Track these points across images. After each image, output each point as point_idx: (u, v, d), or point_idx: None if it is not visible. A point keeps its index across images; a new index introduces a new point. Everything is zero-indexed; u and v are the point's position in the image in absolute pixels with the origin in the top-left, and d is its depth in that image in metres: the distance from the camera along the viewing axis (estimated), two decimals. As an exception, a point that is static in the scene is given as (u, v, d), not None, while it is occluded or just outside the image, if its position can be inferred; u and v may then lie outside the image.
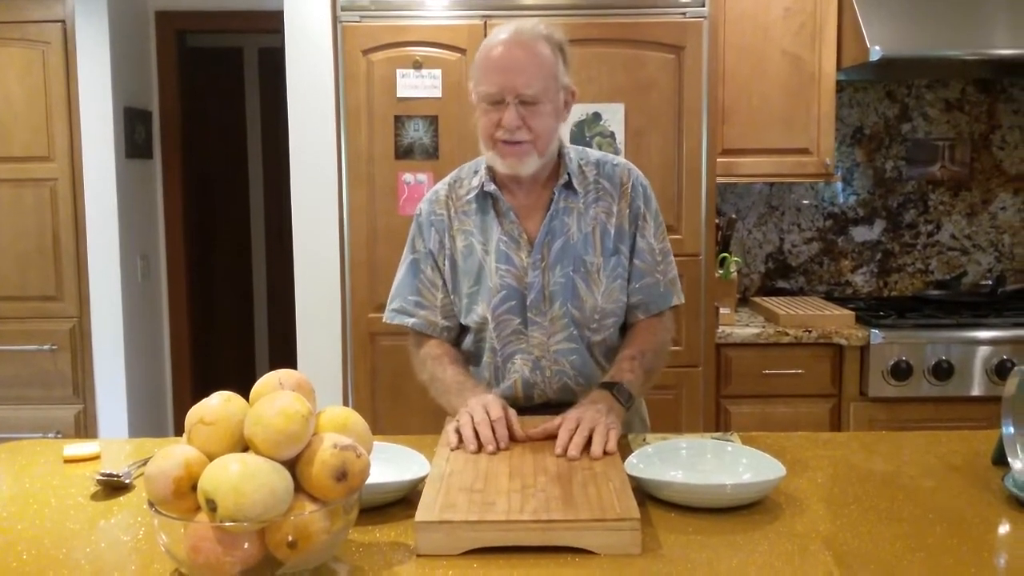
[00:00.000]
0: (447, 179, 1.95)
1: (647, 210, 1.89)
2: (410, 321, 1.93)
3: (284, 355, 5.06)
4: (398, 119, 2.98)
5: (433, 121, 2.97)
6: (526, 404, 1.87)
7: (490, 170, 1.86)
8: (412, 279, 1.93)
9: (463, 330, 1.94)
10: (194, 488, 1.13)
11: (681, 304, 1.96)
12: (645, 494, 1.43)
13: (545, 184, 1.86)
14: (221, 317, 5.40)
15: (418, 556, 1.24)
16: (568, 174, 1.84)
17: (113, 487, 1.54)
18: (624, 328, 1.93)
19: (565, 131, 2.93)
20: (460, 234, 1.88)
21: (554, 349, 1.85)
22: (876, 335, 3.03)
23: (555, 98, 1.77)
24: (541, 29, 1.79)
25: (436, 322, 1.92)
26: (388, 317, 1.96)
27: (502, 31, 1.78)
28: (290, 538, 1.12)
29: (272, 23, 3.56)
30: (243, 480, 1.09)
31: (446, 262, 1.90)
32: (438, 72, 2.95)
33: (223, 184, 5.60)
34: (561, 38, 1.81)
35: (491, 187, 1.84)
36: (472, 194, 1.87)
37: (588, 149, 1.95)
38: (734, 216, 3.51)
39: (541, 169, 1.83)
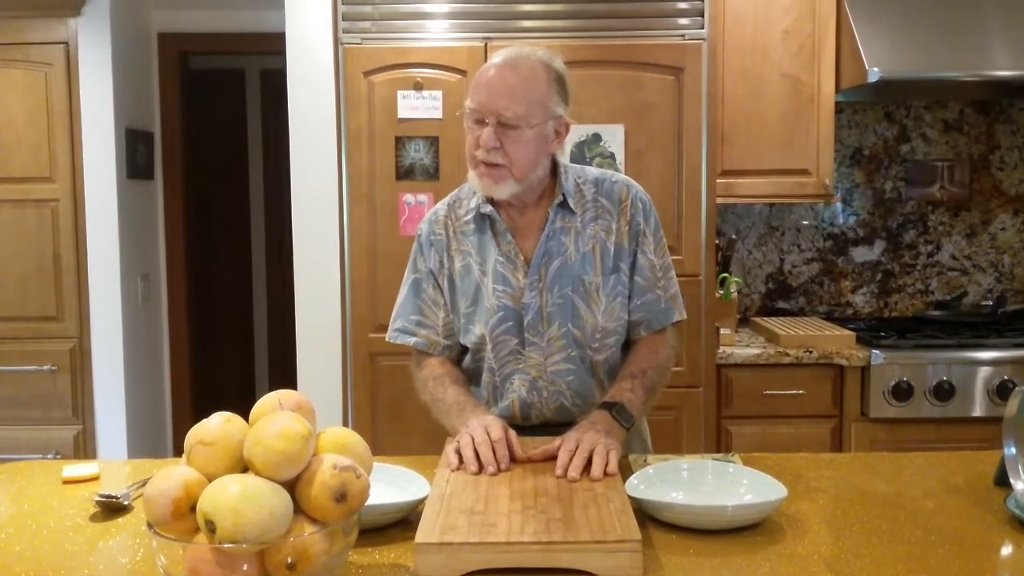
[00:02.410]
0: (447, 199, 1.96)
1: (647, 226, 1.88)
2: (412, 340, 1.94)
3: (284, 375, 5.05)
4: (399, 140, 2.99)
5: (434, 142, 2.98)
6: (523, 424, 1.87)
7: None
8: (414, 299, 1.94)
9: (464, 349, 1.94)
10: (193, 509, 1.12)
11: (683, 320, 1.95)
12: (646, 515, 1.43)
13: (539, 204, 1.85)
14: (221, 338, 5.40)
15: (418, 578, 1.23)
16: (563, 194, 1.84)
17: (112, 508, 1.54)
18: (626, 345, 1.93)
19: (565, 152, 2.96)
20: (458, 254, 1.89)
21: (551, 370, 1.85)
22: (877, 356, 3.03)
23: (540, 125, 1.76)
24: (540, 55, 1.79)
25: (438, 341, 1.93)
26: (391, 336, 1.97)
27: (501, 53, 1.79)
28: (289, 560, 1.11)
29: (274, 45, 3.59)
30: (242, 501, 1.09)
31: (445, 281, 1.91)
32: (439, 93, 2.96)
33: (224, 205, 5.62)
34: (561, 68, 1.81)
35: (487, 208, 1.84)
36: (470, 215, 1.88)
37: (588, 167, 1.95)
38: (734, 237, 3.52)
39: (533, 191, 1.83)
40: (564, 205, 1.84)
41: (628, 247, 1.86)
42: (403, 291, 1.97)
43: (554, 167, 1.86)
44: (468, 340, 1.90)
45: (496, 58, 1.78)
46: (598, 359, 1.87)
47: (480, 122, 1.75)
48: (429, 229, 1.93)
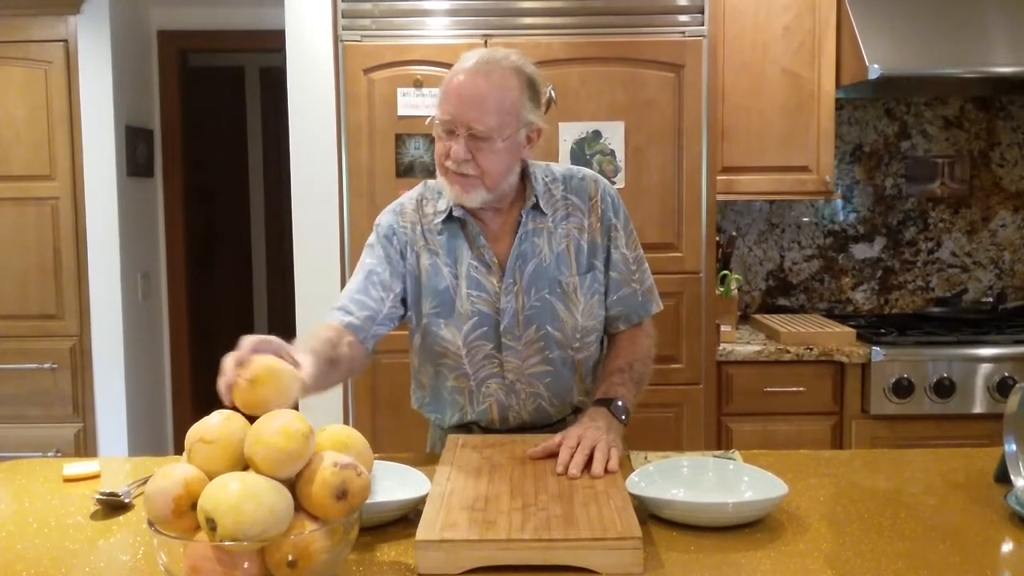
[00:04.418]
0: (412, 194, 1.91)
1: (617, 220, 1.87)
2: (346, 320, 1.78)
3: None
4: (399, 137, 2.98)
5: (433, 140, 2.97)
6: (501, 427, 1.86)
7: None
8: (364, 282, 1.83)
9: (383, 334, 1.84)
10: (194, 507, 1.12)
11: (660, 310, 1.94)
12: (647, 512, 1.43)
13: (512, 207, 1.83)
14: (222, 335, 5.38)
15: (419, 575, 1.23)
16: (535, 195, 1.81)
17: (113, 506, 1.54)
18: (604, 339, 1.92)
19: (565, 149, 2.96)
20: (425, 252, 1.84)
21: (529, 372, 1.83)
22: (877, 352, 3.03)
23: (512, 135, 1.72)
24: (513, 60, 1.74)
25: (370, 328, 1.80)
26: (330, 315, 1.83)
27: (471, 56, 1.74)
28: (290, 557, 1.11)
29: (273, 42, 3.58)
30: (243, 499, 1.09)
31: (408, 277, 1.85)
32: (438, 91, 2.95)
33: (224, 202, 5.62)
34: (532, 72, 1.76)
35: (460, 211, 1.80)
36: (440, 217, 1.84)
37: (552, 165, 1.91)
38: (734, 234, 3.52)
39: (505, 196, 1.80)
40: (536, 206, 1.82)
41: (601, 243, 1.85)
42: (355, 276, 1.86)
43: (523, 168, 1.83)
44: (431, 343, 1.85)
45: (465, 62, 1.73)
46: (580, 358, 1.86)
47: (451, 132, 1.72)
48: (393, 220, 1.87)
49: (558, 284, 1.82)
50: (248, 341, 1.35)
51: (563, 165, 1.93)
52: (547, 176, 1.87)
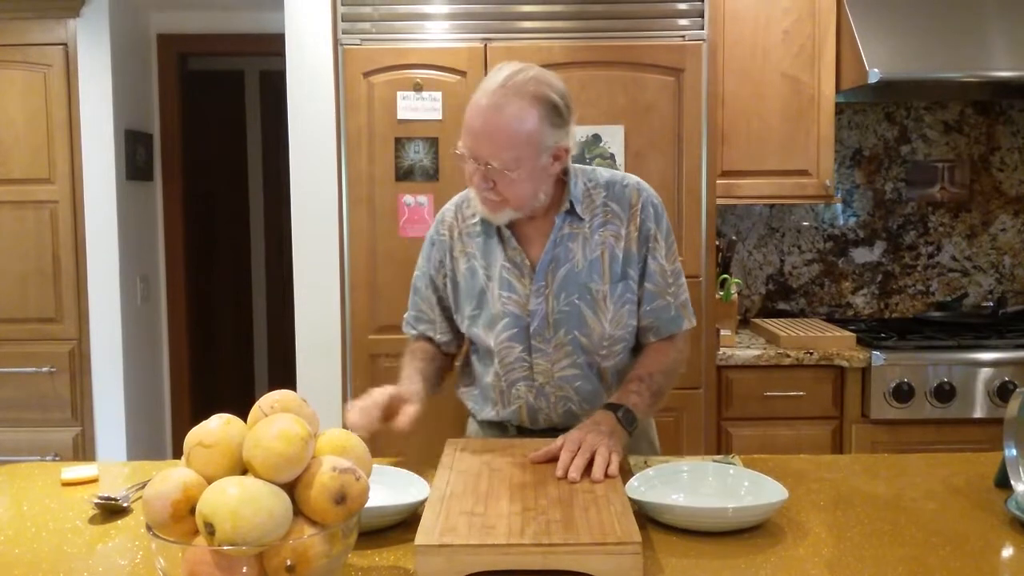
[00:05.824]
0: (456, 199, 1.95)
1: (658, 230, 1.85)
2: (413, 333, 2.02)
3: (284, 376, 5.05)
4: (398, 141, 2.98)
5: (433, 143, 2.97)
6: (532, 428, 1.88)
7: None
8: (413, 296, 2.01)
9: (460, 337, 2.00)
10: (192, 511, 1.12)
11: (692, 327, 1.93)
12: (646, 517, 1.43)
13: (548, 210, 1.82)
14: (221, 339, 5.39)
15: (418, 580, 1.23)
16: (570, 201, 1.81)
17: (111, 510, 1.53)
18: (635, 349, 1.92)
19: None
20: (463, 256, 1.88)
21: (559, 376, 1.84)
22: (877, 357, 3.03)
23: (532, 164, 1.69)
24: (533, 87, 1.68)
25: (433, 337, 1.98)
26: (403, 328, 2.04)
27: (494, 79, 1.69)
28: (289, 562, 1.11)
29: (273, 46, 3.58)
30: (241, 503, 1.09)
31: (448, 282, 1.92)
32: (438, 94, 2.96)
33: (224, 206, 5.61)
34: (554, 96, 1.70)
35: None
36: (477, 217, 1.86)
37: (599, 169, 1.89)
38: (734, 238, 3.52)
39: (536, 209, 1.80)
40: (571, 211, 1.82)
41: (637, 253, 1.83)
42: (411, 293, 2.03)
43: (562, 171, 1.82)
44: (473, 342, 1.93)
45: (489, 84, 1.69)
46: (606, 366, 1.86)
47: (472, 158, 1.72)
48: (435, 229, 1.95)
49: (588, 291, 1.81)
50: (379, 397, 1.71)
51: (609, 170, 1.90)
52: (590, 181, 1.85)
